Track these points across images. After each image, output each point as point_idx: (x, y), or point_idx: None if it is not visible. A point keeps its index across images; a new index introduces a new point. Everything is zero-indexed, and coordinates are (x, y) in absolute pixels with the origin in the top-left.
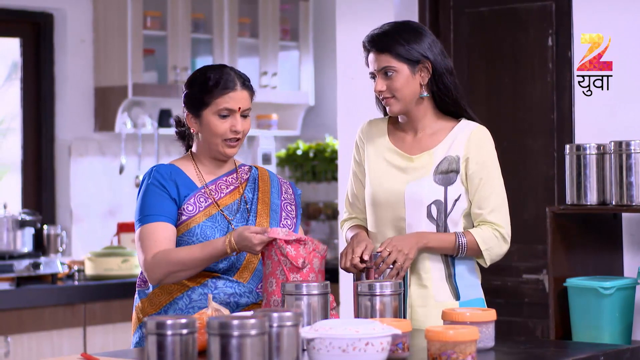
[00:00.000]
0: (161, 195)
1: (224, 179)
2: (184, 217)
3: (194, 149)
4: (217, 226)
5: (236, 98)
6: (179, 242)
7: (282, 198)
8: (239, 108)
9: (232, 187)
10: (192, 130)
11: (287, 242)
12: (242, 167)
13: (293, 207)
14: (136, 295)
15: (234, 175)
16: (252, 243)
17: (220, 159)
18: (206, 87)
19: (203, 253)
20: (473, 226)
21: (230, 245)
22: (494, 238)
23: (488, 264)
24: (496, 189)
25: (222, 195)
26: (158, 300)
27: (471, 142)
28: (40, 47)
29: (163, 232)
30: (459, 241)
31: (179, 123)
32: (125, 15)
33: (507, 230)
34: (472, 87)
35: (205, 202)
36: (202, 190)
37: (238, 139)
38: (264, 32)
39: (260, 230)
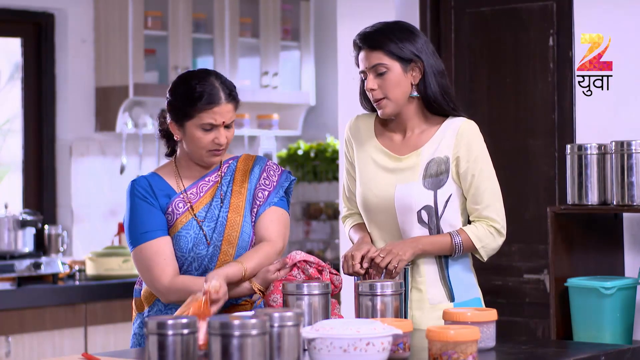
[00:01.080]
0: (150, 208)
1: (207, 179)
2: None
3: (177, 152)
4: (190, 234)
5: (221, 112)
6: None
7: (258, 184)
8: (223, 122)
9: (212, 183)
10: (175, 137)
11: (306, 262)
12: (227, 162)
13: (266, 192)
14: (134, 291)
15: (217, 172)
16: (272, 279)
17: (203, 167)
18: (190, 99)
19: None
20: (469, 221)
21: (258, 287)
22: (489, 235)
23: (485, 259)
24: (489, 183)
25: (201, 195)
26: (146, 299)
27: (459, 140)
28: (41, 47)
29: (168, 249)
30: (454, 241)
31: (165, 121)
32: (126, 15)
33: (502, 224)
34: (473, 87)
35: (183, 208)
36: (181, 196)
37: (221, 149)
38: (265, 32)
39: (281, 266)
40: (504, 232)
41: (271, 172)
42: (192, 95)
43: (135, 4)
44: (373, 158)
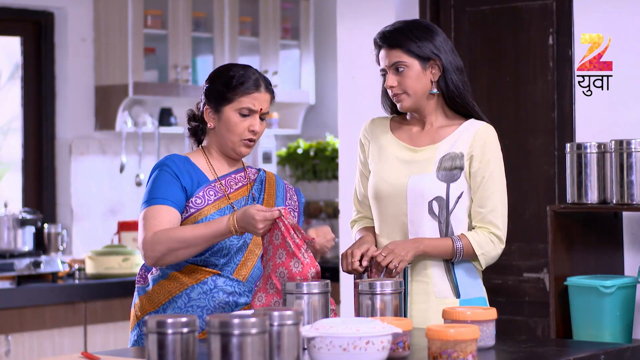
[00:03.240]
0: (171, 181)
1: (233, 176)
2: (192, 210)
3: (205, 143)
4: None
5: (259, 99)
6: None
7: (287, 204)
8: (260, 109)
9: (241, 184)
10: (209, 125)
11: (295, 229)
12: (250, 169)
13: (296, 214)
14: (135, 292)
15: (242, 174)
16: (254, 219)
17: (232, 157)
18: (231, 83)
19: (207, 230)
20: (470, 225)
21: (233, 223)
22: (490, 242)
23: (484, 267)
24: (497, 189)
25: (231, 190)
26: (157, 299)
27: (476, 140)
28: (41, 46)
29: (167, 215)
30: (455, 246)
31: (193, 118)
32: (126, 14)
33: (503, 232)
34: (473, 85)
35: (215, 196)
36: (213, 184)
37: (254, 140)
38: (265, 30)
39: (266, 208)
40: (504, 239)
41: (291, 192)
42: (233, 80)
43: (135, 3)
44: (389, 151)
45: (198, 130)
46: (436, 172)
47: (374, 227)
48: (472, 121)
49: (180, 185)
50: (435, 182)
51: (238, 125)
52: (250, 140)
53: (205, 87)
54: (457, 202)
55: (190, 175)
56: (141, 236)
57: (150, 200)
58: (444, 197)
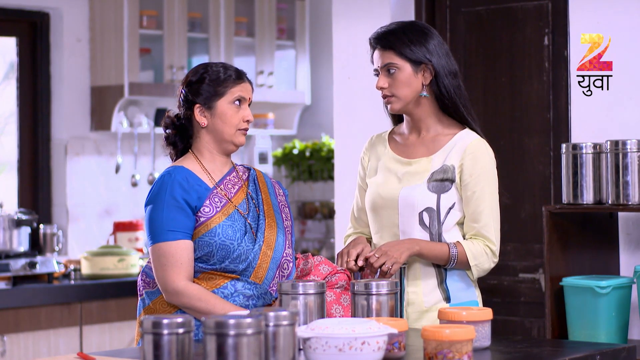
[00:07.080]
0: (178, 207)
1: (228, 178)
2: (202, 219)
3: (195, 148)
4: (236, 225)
5: (247, 88)
6: (199, 243)
7: (279, 200)
8: (249, 98)
9: (237, 186)
10: (201, 124)
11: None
12: (239, 167)
13: (287, 208)
14: (143, 297)
15: (234, 174)
16: None
17: (229, 150)
18: (219, 79)
19: (230, 310)
20: (464, 236)
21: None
22: (484, 254)
23: (475, 277)
24: (489, 204)
25: (232, 194)
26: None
27: (466, 153)
28: (36, 47)
29: (185, 251)
30: (451, 252)
31: (174, 124)
32: (121, 15)
33: (497, 247)
34: (468, 86)
35: (220, 202)
36: (215, 191)
37: (247, 129)
38: (261, 31)
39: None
40: (497, 254)
41: (277, 187)
42: (219, 75)
43: (130, 3)
44: (385, 164)
45: (183, 134)
46: (427, 183)
47: (369, 240)
48: (466, 132)
49: (188, 207)
50: (426, 193)
51: (234, 116)
52: (245, 129)
53: (187, 90)
54: (447, 213)
55: (195, 188)
56: (164, 276)
57: (164, 233)
58: (435, 209)
